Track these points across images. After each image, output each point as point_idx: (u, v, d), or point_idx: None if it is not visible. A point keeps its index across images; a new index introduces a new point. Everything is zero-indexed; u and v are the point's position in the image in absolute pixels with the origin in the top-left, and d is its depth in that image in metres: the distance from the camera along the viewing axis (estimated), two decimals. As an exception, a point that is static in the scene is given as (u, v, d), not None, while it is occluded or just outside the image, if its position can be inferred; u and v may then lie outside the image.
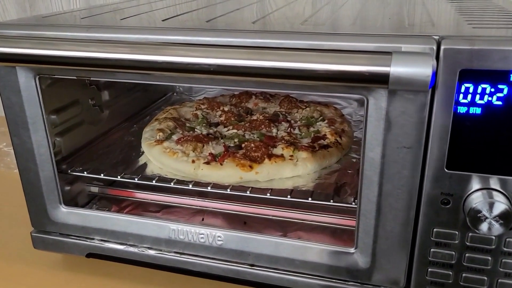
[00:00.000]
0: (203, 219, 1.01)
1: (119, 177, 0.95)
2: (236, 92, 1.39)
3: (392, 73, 0.56)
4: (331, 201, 0.84)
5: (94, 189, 1.09)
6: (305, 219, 0.96)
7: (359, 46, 0.64)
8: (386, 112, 0.67)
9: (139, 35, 0.73)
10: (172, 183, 0.92)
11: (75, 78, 0.81)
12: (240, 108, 1.26)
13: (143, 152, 1.01)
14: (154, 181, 0.93)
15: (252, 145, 0.97)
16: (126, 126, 1.23)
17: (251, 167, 0.91)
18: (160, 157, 0.93)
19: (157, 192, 1.03)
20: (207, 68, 0.63)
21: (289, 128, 1.09)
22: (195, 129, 1.10)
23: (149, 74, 0.71)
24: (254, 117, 1.17)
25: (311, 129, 1.10)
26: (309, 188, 0.89)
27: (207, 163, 0.93)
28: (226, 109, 1.23)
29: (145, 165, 0.97)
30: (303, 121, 1.15)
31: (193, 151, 0.97)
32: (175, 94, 1.56)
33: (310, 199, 0.84)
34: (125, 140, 1.09)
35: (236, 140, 1.02)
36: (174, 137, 1.04)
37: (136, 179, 0.94)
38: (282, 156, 0.94)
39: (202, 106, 1.26)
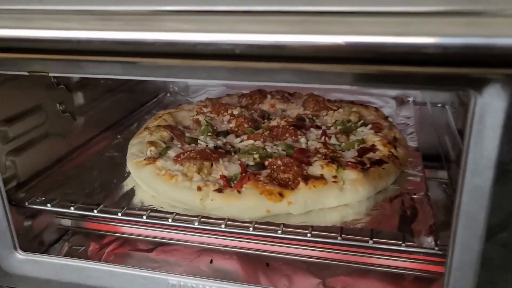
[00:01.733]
0: (211, 261, 0.79)
1: (95, 211, 0.72)
2: (246, 90, 1.16)
3: None
4: (403, 244, 0.60)
5: (66, 222, 0.88)
6: (354, 261, 0.74)
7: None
8: (508, 116, 0.45)
9: (120, 6, 0.50)
10: (170, 220, 0.69)
11: (27, 74, 0.58)
12: (253, 111, 1.03)
13: (129, 173, 0.77)
14: (144, 217, 0.70)
15: (279, 162, 0.73)
16: (108, 137, 1.01)
17: (281, 195, 0.67)
18: (152, 182, 0.70)
19: (150, 226, 0.81)
20: (229, 51, 0.40)
21: (323, 137, 0.86)
22: (198, 141, 0.87)
23: (134, 63, 0.48)
24: (273, 123, 0.94)
25: (352, 137, 0.87)
26: (364, 223, 0.66)
27: (219, 190, 0.69)
28: (235, 112, 1.00)
29: (132, 191, 0.75)
30: (338, 127, 0.92)
31: (198, 173, 0.73)
32: (168, 94, 1.34)
33: (371, 242, 0.61)
34: (106, 157, 0.90)
35: (255, 155, 0.79)
36: (171, 153, 0.80)
37: (119, 214, 0.71)
38: (322, 177, 0.71)
39: (205, 110, 1.03)
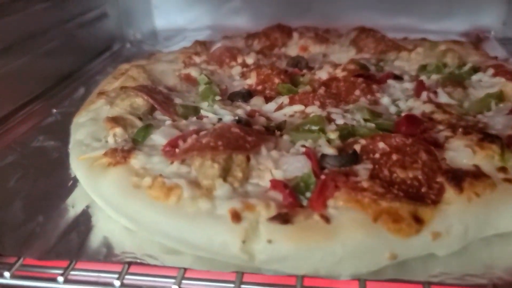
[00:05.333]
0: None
1: (7, 274, 0.35)
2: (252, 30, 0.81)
3: None
4: None
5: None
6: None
7: None
8: None
9: None
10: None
11: None
12: (275, 59, 0.68)
13: (76, 181, 0.41)
14: (117, 284, 0.34)
15: (382, 145, 0.39)
16: (36, 112, 0.66)
17: (418, 220, 0.33)
18: (125, 202, 0.36)
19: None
20: None
21: (425, 93, 0.51)
22: (201, 111, 0.50)
23: None
24: (321, 74, 0.60)
25: (471, 91, 0.53)
26: None
27: (283, 217, 0.33)
28: (249, 61, 0.64)
29: (85, 220, 0.43)
30: (433, 75, 0.58)
31: (225, 179, 0.37)
32: (128, 45, 0.96)
33: None
34: (33, 149, 0.58)
35: (331, 134, 0.42)
36: (157, 138, 0.44)
37: (59, 279, 0.34)
38: (481, 173, 0.37)
39: (197, 59, 0.66)
